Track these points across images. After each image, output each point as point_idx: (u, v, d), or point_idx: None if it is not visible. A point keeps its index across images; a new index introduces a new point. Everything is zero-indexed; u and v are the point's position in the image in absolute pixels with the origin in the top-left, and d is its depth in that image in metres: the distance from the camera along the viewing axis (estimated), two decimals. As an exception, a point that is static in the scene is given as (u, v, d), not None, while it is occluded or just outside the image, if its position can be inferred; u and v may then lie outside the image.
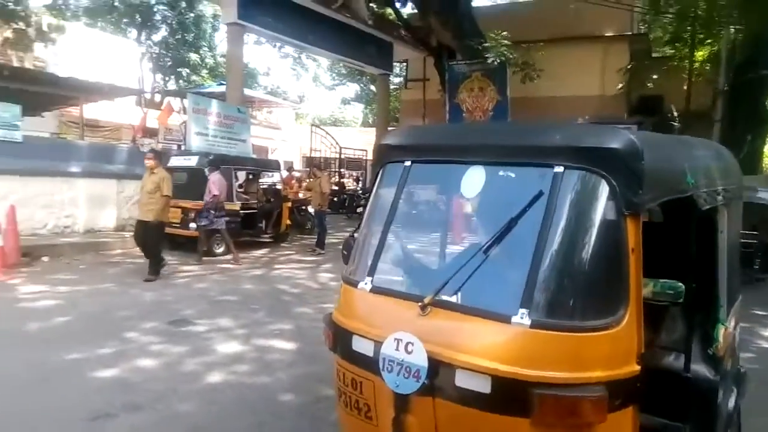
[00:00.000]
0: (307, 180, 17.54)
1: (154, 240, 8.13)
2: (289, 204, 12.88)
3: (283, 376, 4.65)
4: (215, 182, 9.85)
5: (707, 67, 19.07)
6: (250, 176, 12.69)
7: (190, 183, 10.53)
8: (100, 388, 4.19)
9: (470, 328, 1.76)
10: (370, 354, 1.89)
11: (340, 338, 2.08)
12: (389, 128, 23.91)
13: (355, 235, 2.48)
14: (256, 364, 4.88)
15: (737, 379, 3.13)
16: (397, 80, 27.31)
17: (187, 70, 34.21)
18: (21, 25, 17.85)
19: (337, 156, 21.71)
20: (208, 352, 5.13)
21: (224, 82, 27.24)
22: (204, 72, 35.18)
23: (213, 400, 4.12)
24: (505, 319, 1.72)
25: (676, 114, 17.87)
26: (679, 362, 2.44)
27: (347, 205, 19.03)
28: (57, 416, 3.69)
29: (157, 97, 27.41)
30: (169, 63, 34.10)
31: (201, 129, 14.15)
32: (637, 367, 1.75)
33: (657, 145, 2.10)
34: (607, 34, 19.07)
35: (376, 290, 2.05)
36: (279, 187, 13.10)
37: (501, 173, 2.01)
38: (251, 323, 6.11)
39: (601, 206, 1.81)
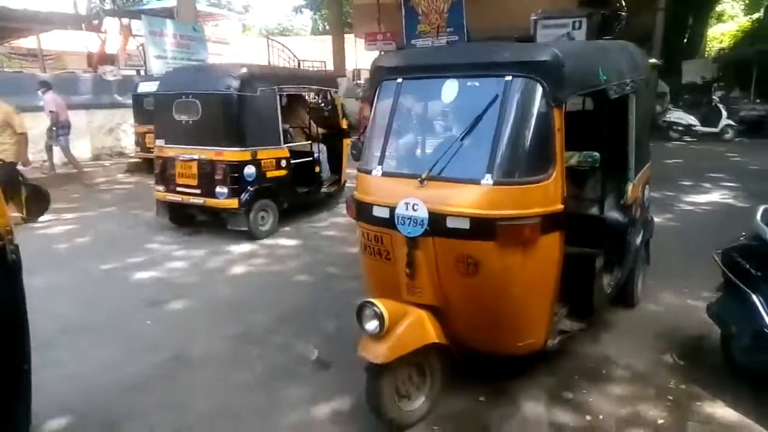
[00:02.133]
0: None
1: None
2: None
3: (293, 263, 5.58)
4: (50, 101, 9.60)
5: (653, -47, 19.40)
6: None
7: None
8: (144, 286, 5.05)
9: (454, 190, 2.64)
10: (387, 216, 2.77)
11: (363, 209, 2.94)
12: (344, 35, 23.71)
13: (361, 138, 3.31)
14: (269, 258, 5.79)
15: (645, 224, 4.22)
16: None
17: (123, -15, 32.13)
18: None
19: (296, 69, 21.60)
20: (224, 252, 5.97)
21: (166, -3, 26.08)
22: (140, -14, 33.14)
23: (241, 285, 5.05)
24: (476, 182, 2.60)
25: (623, 3, 18.43)
26: (598, 209, 3.45)
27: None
28: (120, 307, 4.54)
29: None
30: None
31: (160, 52, 14.11)
32: (561, 206, 2.69)
33: (576, 53, 2.92)
34: (556, -77, 18.97)
35: (385, 174, 2.90)
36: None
37: (469, 83, 2.81)
38: (253, 228, 6.92)
39: (537, 101, 2.65)
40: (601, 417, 2.94)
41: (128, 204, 8.34)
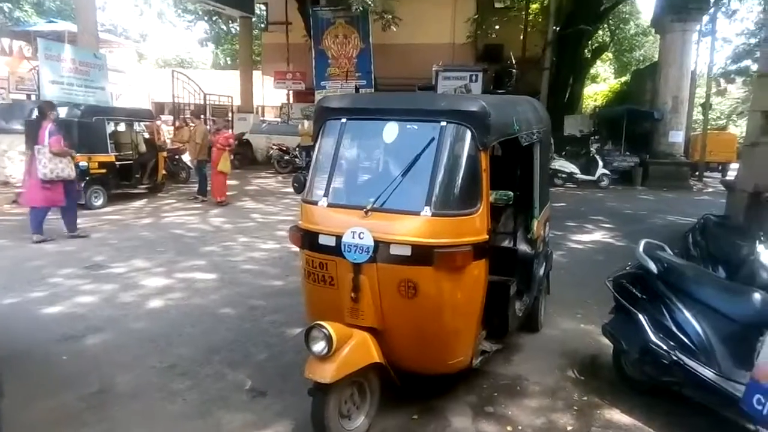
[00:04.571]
0: (178, 128, 17.16)
1: None
2: (164, 154, 12.91)
3: (215, 297, 5.53)
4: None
5: (540, 20, 21.77)
6: (123, 126, 12.21)
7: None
8: (53, 320, 4.76)
9: (396, 221, 2.93)
10: (333, 244, 2.98)
11: (308, 238, 3.13)
12: (252, 71, 23.76)
13: (303, 173, 3.53)
14: (187, 292, 5.68)
15: (546, 256, 4.77)
16: (255, 20, 26.74)
17: (8, 5, 29.97)
18: None
19: (201, 102, 21.24)
20: (137, 287, 5.77)
21: (54, 20, 24.73)
22: (27, 7, 31.04)
23: (161, 318, 4.93)
24: (417, 213, 2.91)
25: (514, 62, 20.40)
26: (511, 242, 3.90)
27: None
28: (30, 341, 4.26)
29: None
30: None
31: (56, 77, 13.32)
32: (487, 237, 3.07)
33: (497, 105, 3.37)
34: (455, -15, 20.74)
35: (331, 205, 3.13)
36: (149, 136, 12.65)
37: (408, 126, 3.16)
38: (166, 262, 6.73)
39: (467, 145, 3.04)
40: (520, 427, 3.29)
41: (22, 236, 7.72)
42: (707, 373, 3.08)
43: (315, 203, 3.18)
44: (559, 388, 3.79)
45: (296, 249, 3.46)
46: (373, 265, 2.91)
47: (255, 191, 13.65)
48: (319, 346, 2.81)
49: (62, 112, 10.33)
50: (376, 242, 2.88)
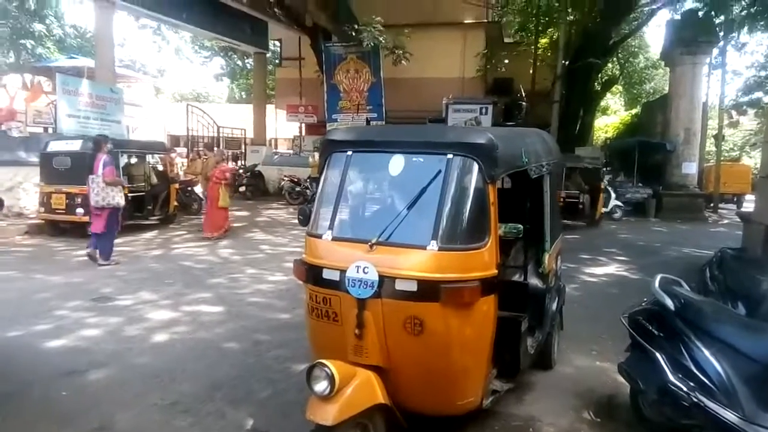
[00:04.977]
0: (191, 161, 17.37)
1: None
2: (177, 185, 13.04)
3: (220, 330, 5.45)
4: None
5: (549, 54, 21.97)
6: (136, 158, 12.32)
7: (74, 168, 10.28)
8: (57, 354, 4.69)
9: (402, 255, 2.86)
10: (337, 278, 2.91)
11: (312, 272, 3.07)
12: (265, 105, 24.17)
13: (309, 206, 3.49)
14: (192, 325, 5.60)
15: (558, 290, 4.65)
16: (269, 56, 27.35)
17: (32, 42, 30.95)
18: None
19: (215, 135, 21.57)
20: (143, 320, 5.72)
21: (75, 56, 25.43)
22: (50, 44, 32.05)
23: (165, 353, 4.84)
24: (423, 248, 2.83)
25: (524, 95, 20.54)
26: (521, 276, 3.80)
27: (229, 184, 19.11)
28: (31, 376, 4.19)
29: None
30: (9, 34, 30.55)
31: (72, 111, 13.64)
32: (495, 271, 2.98)
33: (505, 137, 3.33)
34: (466, 21, 21.10)
35: (336, 239, 3.07)
36: (162, 168, 12.84)
37: (414, 159, 3.12)
38: (173, 295, 6.69)
39: (474, 178, 2.99)
40: (533, 473, 3.13)
41: (31, 268, 7.74)
42: (730, 416, 2.91)
43: (319, 236, 3.12)
44: (574, 431, 3.62)
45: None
46: (377, 300, 2.83)
47: (265, 222, 13.67)
48: (321, 386, 2.70)
49: (76, 144, 10.58)
50: (381, 277, 2.81)
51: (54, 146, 10.77)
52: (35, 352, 4.72)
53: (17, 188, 12.00)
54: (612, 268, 9.07)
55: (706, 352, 3.18)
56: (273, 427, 3.53)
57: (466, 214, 2.97)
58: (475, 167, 2.99)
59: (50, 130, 13.67)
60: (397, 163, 3.07)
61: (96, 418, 3.57)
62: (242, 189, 18.23)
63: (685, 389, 3.11)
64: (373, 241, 2.89)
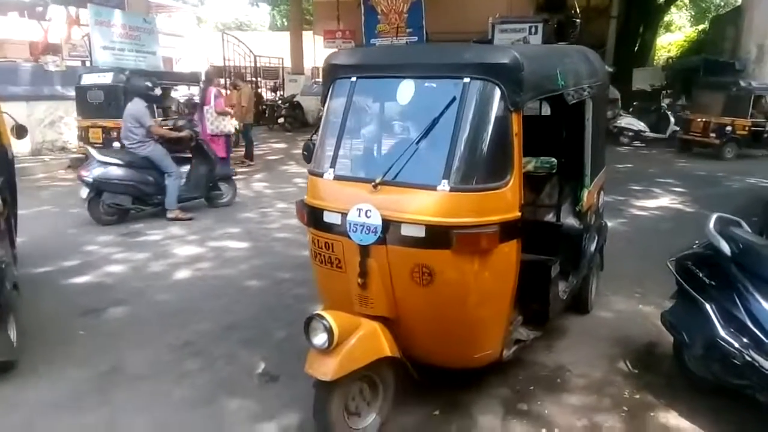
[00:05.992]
0: (230, 93, 17.08)
1: None
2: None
3: (243, 267, 5.34)
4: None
5: (607, -37, 19.94)
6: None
7: (108, 101, 10.20)
8: (80, 291, 4.70)
9: (409, 196, 2.50)
10: (338, 222, 2.61)
11: (313, 214, 2.77)
12: (302, 31, 23.36)
13: (313, 138, 3.14)
14: (216, 261, 5.52)
15: (599, 229, 4.21)
16: (306, -20, 26.16)
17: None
18: None
19: (252, 65, 21.10)
20: (168, 255, 5.68)
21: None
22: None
23: (186, 290, 4.78)
24: (432, 188, 2.47)
25: (578, 11, 18.87)
26: (554, 216, 3.39)
27: (267, 116, 18.85)
28: (51, 315, 4.19)
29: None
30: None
31: (106, 43, 13.44)
32: (519, 214, 2.60)
33: (535, 57, 2.83)
34: (515, -70, 19.25)
35: (337, 178, 2.73)
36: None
37: (426, 84, 2.68)
38: (201, 230, 6.61)
39: (495, 105, 2.54)
40: (556, 430, 2.87)
41: (67, 202, 7.84)
42: (789, 379, 2.53)
43: (321, 175, 2.79)
44: (608, 383, 3.31)
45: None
46: (382, 247, 2.52)
47: (301, 155, 13.43)
48: (319, 339, 2.48)
49: (108, 77, 10.40)
50: (385, 221, 2.48)
51: (87, 79, 10.65)
52: (59, 289, 4.74)
53: (58, 123, 12.14)
54: (666, 201, 8.40)
55: (765, 305, 2.76)
56: (285, 371, 3.39)
57: (485, 148, 2.55)
58: (497, 93, 2.53)
59: (87, 63, 13.58)
60: (406, 89, 2.64)
61: (109, 359, 3.52)
62: (281, 120, 17.94)
63: (737, 345, 2.73)
64: (377, 180, 2.54)
